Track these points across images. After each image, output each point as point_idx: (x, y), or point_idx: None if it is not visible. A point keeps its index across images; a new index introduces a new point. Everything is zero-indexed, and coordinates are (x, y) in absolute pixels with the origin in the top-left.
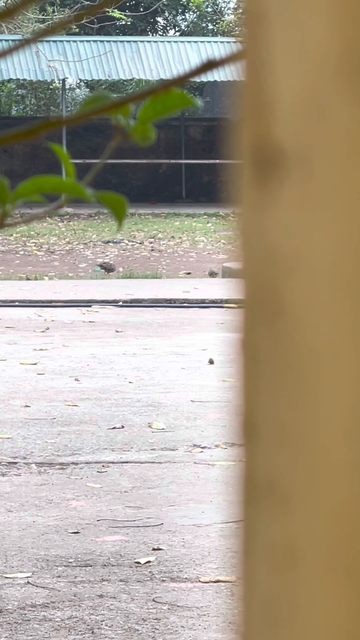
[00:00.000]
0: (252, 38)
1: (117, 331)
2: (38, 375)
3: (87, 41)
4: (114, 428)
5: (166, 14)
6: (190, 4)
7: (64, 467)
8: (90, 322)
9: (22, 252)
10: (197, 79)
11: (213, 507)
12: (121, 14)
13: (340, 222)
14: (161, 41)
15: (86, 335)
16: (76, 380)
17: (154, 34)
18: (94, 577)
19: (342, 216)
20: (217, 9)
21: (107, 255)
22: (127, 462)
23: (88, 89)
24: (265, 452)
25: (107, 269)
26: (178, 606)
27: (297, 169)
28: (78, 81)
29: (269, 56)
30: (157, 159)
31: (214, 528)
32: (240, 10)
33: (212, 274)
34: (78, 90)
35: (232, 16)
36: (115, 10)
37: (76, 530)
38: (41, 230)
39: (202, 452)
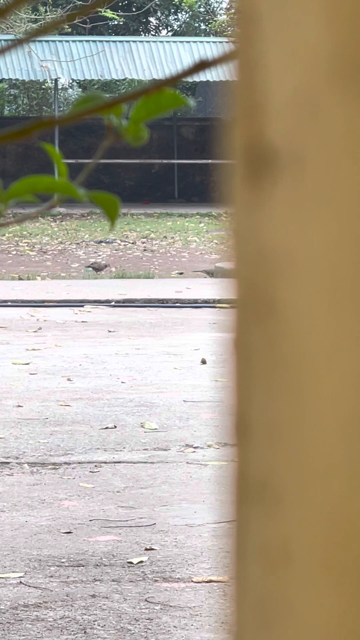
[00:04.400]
0: (245, 38)
1: (110, 331)
2: (30, 375)
3: (80, 41)
4: (107, 428)
5: (158, 14)
6: (183, 4)
7: (57, 467)
8: (82, 322)
9: (14, 252)
10: (189, 79)
11: (205, 507)
12: (113, 14)
13: (333, 221)
14: (153, 41)
15: (79, 335)
16: (69, 380)
17: (147, 34)
18: (87, 577)
19: (335, 216)
20: (209, 9)
21: (99, 255)
22: (119, 462)
23: (80, 89)
24: (258, 452)
25: (97, 268)
26: (170, 606)
27: (289, 169)
28: (70, 81)
29: (261, 56)
30: (150, 159)
31: (207, 528)
32: (233, 11)
33: (209, 274)
34: (70, 90)
35: (225, 16)
36: (108, 10)
37: (69, 530)
38: (34, 230)
39: (194, 452)
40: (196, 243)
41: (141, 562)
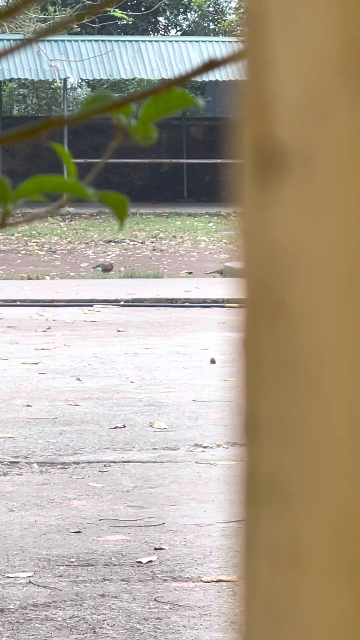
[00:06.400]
0: (254, 37)
1: (119, 331)
2: (40, 375)
3: (89, 41)
4: (116, 427)
5: (167, 13)
6: (192, 3)
7: (66, 466)
8: (91, 321)
9: (23, 252)
10: (198, 79)
11: (215, 506)
12: (122, 14)
13: (342, 221)
14: (162, 41)
15: (88, 335)
16: (78, 379)
17: (156, 34)
18: (96, 577)
19: (344, 215)
20: (218, 8)
21: (108, 255)
22: (128, 462)
23: (89, 89)
24: (267, 451)
25: (105, 269)
26: (180, 606)
27: (298, 168)
28: (79, 81)
29: (270, 55)
30: (159, 158)
31: (216, 527)
32: (242, 10)
33: (219, 273)
34: (79, 89)
35: (234, 16)
36: (117, 9)
37: (78, 530)
38: (43, 229)
39: (203, 451)
40: (205, 242)
41: (150, 561)
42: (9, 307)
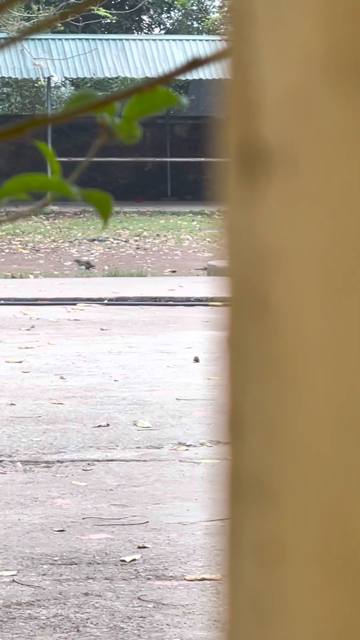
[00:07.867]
0: (238, 36)
1: (103, 329)
2: (23, 374)
3: (73, 39)
4: (99, 426)
5: (151, 12)
6: (176, 2)
7: (50, 465)
8: (75, 320)
9: (7, 250)
10: (182, 77)
11: (198, 505)
12: (106, 12)
13: (327, 219)
14: (146, 39)
15: (71, 334)
16: (61, 378)
17: (139, 32)
18: (79, 575)
19: (329, 213)
20: (202, 7)
21: (92, 254)
22: (112, 460)
23: (73, 87)
24: (252, 450)
25: (87, 266)
26: (163, 604)
27: (283, 167)
28: (63, 79)
29: (255, 54)
30: (143, 157)
31: (200, 526)
32: (226, 9)
33: (206, 270)
34: (63, 88)
35: (218, 14)
36: (101, 8)
37: (61, 529)
38: (26, 228)
39: (187, 450)
40: (189, 241)
41: (134, 560)
42: None
